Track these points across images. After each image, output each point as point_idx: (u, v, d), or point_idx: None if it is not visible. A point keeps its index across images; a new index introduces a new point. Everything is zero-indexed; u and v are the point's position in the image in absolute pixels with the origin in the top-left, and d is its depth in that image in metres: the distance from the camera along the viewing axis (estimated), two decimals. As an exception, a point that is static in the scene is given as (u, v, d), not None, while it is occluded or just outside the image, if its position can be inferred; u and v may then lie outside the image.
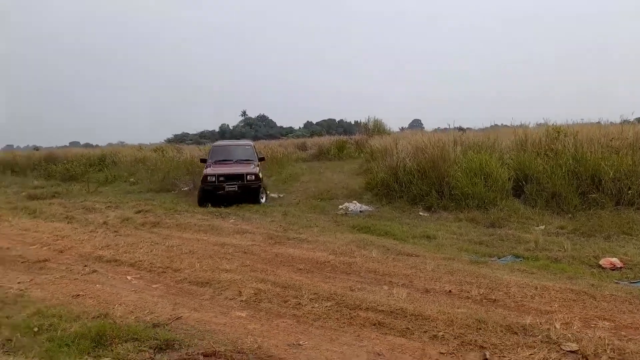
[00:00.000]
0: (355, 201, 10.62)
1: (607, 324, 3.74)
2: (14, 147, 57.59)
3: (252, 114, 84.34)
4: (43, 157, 28.48)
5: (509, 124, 15.88)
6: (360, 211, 9.85)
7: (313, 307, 4.29)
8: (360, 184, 12.56)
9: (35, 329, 3.94)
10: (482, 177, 9.93)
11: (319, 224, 8.57)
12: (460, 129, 21.61)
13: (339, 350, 3.44)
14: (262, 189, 11.76)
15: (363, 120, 25.30)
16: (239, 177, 11.45)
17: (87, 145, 51.90)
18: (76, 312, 4.33)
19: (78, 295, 4.95)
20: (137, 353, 3.49)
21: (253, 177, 11.44)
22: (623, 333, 3.57)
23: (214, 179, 11.42)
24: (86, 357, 3.47)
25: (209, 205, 10.95)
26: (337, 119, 71.63)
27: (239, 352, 3.46)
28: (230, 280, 5.15)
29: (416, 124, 55.74)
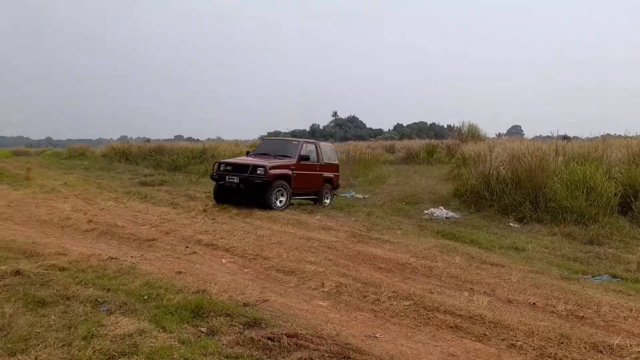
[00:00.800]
0: (441, 207, 10.46)
1: None
2: (128, 137, 64.14)
3: (343, 114, 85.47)
4: (153, 148, 31.42)
5: (623, 135, 14.55)
6: (446, 217, 9.69)
7: (391, 305, 4.42)
8: (448, 190, 12.30)
9: (145, 297, 4.52)
10: (584, 191, 9.27)
11: (403, 226, 8.61)
12: (565, 137, 20.01)
13: (413, 347, 3.54)
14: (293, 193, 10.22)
15: (457, 125, 24.55)
16: (244, 168, 9.70)
17: (189, 139, 56.13)
18: (178, 286, 4.88)
19: (180, 272, 5.55)
20: (229, 327, 3.89)
21: (263, 170, 9.47)
22: None
23: (221, 167, 10.16)
24: (186, 325, 3.93)
25: (218, 202, 10.34)
26: (429, 122, 70.05)
27: (318, 337, 3.70)
28: (314, 272, 5.44)
29: (515, 131, 52.66)
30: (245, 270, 5.71)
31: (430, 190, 13.03)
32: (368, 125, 78.93)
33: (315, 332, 3.81)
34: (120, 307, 4.21)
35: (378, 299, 4.57)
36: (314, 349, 3.50)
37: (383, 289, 4.80)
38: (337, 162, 12.35)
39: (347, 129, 76.88)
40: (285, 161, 10.22)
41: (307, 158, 10.63)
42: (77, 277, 5.02)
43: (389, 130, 71.02)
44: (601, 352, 3.44)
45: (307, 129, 77.64)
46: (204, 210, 9.83)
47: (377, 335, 3.78)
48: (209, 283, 5.05)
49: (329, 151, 11.96)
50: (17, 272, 5.04)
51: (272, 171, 9.59)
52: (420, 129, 56.56)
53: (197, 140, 46.86)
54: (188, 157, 25.62)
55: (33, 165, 21.08)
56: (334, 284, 5.00)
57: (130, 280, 5.08)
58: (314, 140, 12.02)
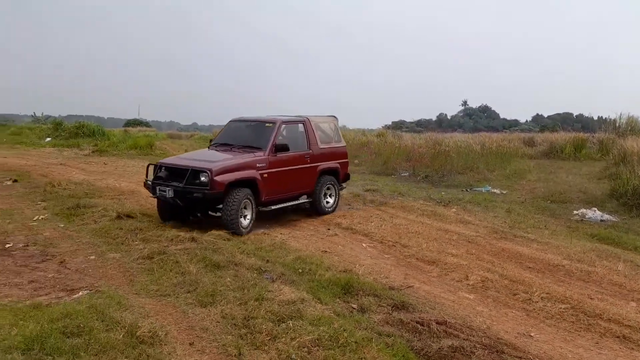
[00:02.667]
0: (594, 208, 9.46)
1: None
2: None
3: (473, 104, 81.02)
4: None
5: None
6: (601, 220, 8.75)
7: (545, 306, 4.23)
8: (602, 190, 11.05)
9: (299, 271, 4.96)
10: None
11: (549, 226, 8.01)
12: None
13: (574, 351, 3.38)
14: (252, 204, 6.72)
15: (612, 117, 21.70)
16: (181, 173, 6.47)
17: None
18: (327, 264, 5.25)
19: (325, 251, 5.95)
20: (378, 307, 4.10)
21: (206, 177, 6.22)
22: None
23: (157, 170, 6.85)
24: (338, 300, 4.25)
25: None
26: (575, 114, 62.83)
27: (468, 327, 3.73)
28: (456, 264, 5.41)
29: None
30: (386, 255, 5.90)
31: (579, 189, 11.82)
32: (502, 116, 73.75)
33: (465, 322, 3.84)
34: (280, 276, 4.71)
35: (529, 299, 4.40)
36: (464, 339, 3.54)
37: (534, 289, 4.59)
38: (343, 143, 8.99)
39: (477, 119, 72.79)
40: (249, 157, 6.82)
41: (285, 148, 7.15)
42: (239, 247, 5.71)
43: (527, 121, 65.52)
44: None
45: (434, 118, 75.31)
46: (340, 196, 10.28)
47: (532, 334, 3.67)
48: (353, 264, 5.34)
49: (328, 130, 8.53)
50: (193, 239, 5.91)
51: (222, 177, 6.25)
52: (564, 121, 51.04)
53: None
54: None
55: (190, 147, 23.84)
56: (479, 278, 4.92)
57: (284, 254, 5.61)
58: (302, 117, 7.99)
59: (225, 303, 3.84)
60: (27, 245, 5.61)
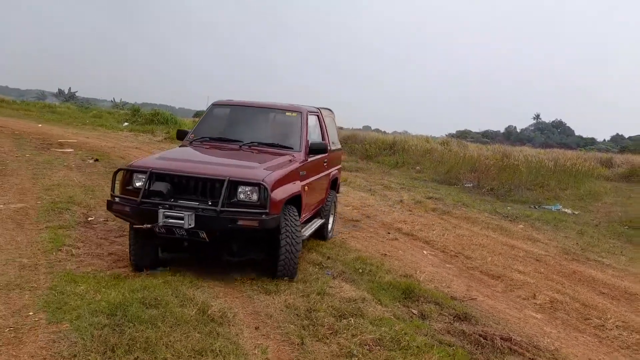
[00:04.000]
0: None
1: None
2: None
3: (546, 118, 76.95)
4: (347, 136, 33.50)
5: None
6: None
7: (620, 334, 3.98)
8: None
9: (360, 270, 4.99)
10: None
11: (626, 252, 7.48)
12: None
13: (653, 387, 3.15)
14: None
15: None
16: (208, 187, 3.95)
17: (377, 130, 57.80)
18: (387, 267, 5.24)
19: (385, 254, 5.93)
20: (439, 315, 4.05)
21: (260, 192, 3.89)
22: None
23: (143, 182, 3.94)
24: (398, 303, 4.23)
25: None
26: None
27: (535, 347, 3.59)
28: (523, 282, 5.21)
29: None
30: (448, 265, 5.79)
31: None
32: (577, 133, 69.47)
33: (531, 341, 3.69)
34: (341, 274, 4.76)
35: (603, 325, 4.15)
36: (530, 358, 3.42)
37: (609, 316, 4.33)
38: (340, 145, 7.38)
39: (549, 134, 69.07)
40: (288, 161, 4.62)
41: (321, 149, 5.03)
42: (302, 242, 5.83)
43: (605, 140, 61.22)
44: None
45: (502, 130, 72.34)
46: (400, 201, 10.18)
47: (605, 362, 3.47)
48: (414, 270, 5.29)
49: (332, 127, 6.66)
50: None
51: (278, 193, 4.03)
52: (648, 143, 47.20)
53: (384, 132, 47.88)
54: (379, 148, 26.53)
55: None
56: (547, 298, 4.71)
57: (344, 252, 5.66)
58: (315, 108, 5.90)
59: (289, 293, 3.94)
60: (107, 220, 6.05)
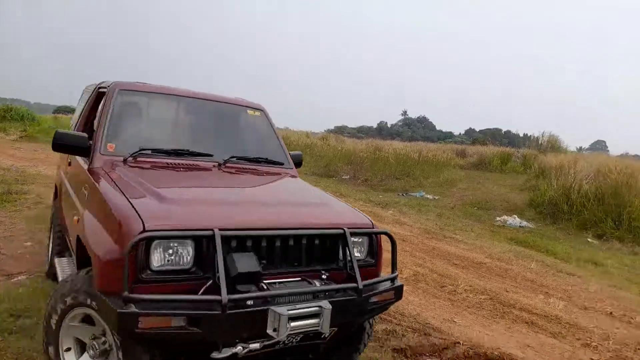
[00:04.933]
0: (515, 215, 10.40)
1: None
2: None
3: (413, 114, 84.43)
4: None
5: None
6: (520, 226, 9.65)
7: (467, 296, 4.71)
8: (523, 200, 12.12)
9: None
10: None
11: (475, 229, 8.73)
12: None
13: (490, 334, 3.83)
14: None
15: (535, 134, 23.68)
16: (304, 248, 2.27)
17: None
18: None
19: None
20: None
21: (373, 243, 2.53)
22: None
23: (194, 255, 1.99)
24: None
25: None
26: (504, 130, 67.29)
27: (400, 314, 4.09)
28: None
29: (600, 146, 49.42)
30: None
31: (503, 198, 12.88)
32: (438, 127, 77.40)
33: (397, 310, 4.20)
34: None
35: (455, 290, 4.87)
36: (396, 324, 3.90)
37: (460, 282, 5.08)
38: None
39: (415, 129, 75.83)
40: (308, 186, 3.20)
41: (300, 162, 3.73)
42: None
43: (460, 134, 69.19)
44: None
45: (375, 125, 77.49)
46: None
47: (455, 320, 4.11)
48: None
49: None
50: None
51: None
52: (494, 136, 54.58)
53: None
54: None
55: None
56: (412, 272, 5.35)
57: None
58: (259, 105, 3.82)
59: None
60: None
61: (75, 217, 2.58)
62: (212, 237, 1.93)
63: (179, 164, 2.90)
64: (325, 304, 2.04)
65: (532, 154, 21.24)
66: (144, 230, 1.85)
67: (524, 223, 9.88)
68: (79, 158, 3.02)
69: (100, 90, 3.37)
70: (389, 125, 78.80)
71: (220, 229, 1.96)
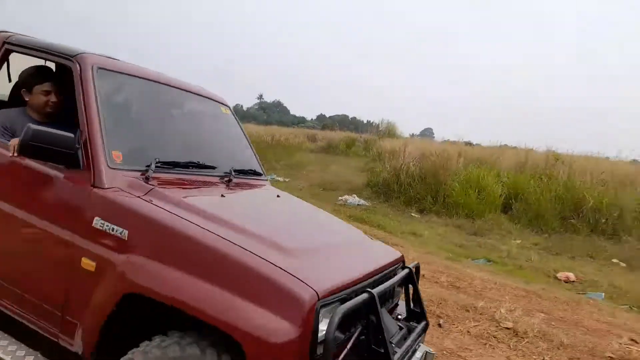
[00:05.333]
0: (354, 195, 11.42)
1: (543, 315, 4.54)
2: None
3: (269, 98, 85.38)
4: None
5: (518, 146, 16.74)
6: (358, 204, 10.65)
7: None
8: (362, 181, 13.34)
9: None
10: (477, 190, 10.68)
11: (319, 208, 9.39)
12: (469, 143, 22.50)
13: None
14: None
15: (376, 121, 26.02)
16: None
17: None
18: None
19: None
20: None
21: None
22: (553, 323, 4.36)
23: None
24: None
25: None
26: (351, 116, 72.33)
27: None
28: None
29: (428, 133, 56.21)
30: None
31: (346, 179, 14.00)
32: (292, 112, 79.68)
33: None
34: None
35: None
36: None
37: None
38: None
39: (270, 113, 76.91)
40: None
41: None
42: None
43: (312, 119, 72.30)
44: (468, 311, 4.39)
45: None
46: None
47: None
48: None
49: None
50: None
51: None
52: (342, 122, 58.35)
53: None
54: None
55: None
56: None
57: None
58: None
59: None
60: None
61: (92, 263, 1.83)
62: (372, 297, 1.68)
63: (192, 180, 2.33)
64: (426, 347, 2.16)
65: (372, 139, 23.33)
66: (319, 298, 1.51)
67: (362, 201, 10.92)
68: (49, 170, 2.08)
69: (8, 47, 2.47)
70: (244, 109, 78.39)
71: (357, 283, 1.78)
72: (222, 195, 2.28)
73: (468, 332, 3.88)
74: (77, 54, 2.20)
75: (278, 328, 1.47)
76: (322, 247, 2.07)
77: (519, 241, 8.48)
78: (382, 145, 17.56)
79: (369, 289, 1.70)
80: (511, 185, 11.25)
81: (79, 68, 2.14)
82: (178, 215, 1.78)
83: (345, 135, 26.50)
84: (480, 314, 4.34)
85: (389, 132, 24.49)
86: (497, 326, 4.06)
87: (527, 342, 3.82)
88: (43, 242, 2.02)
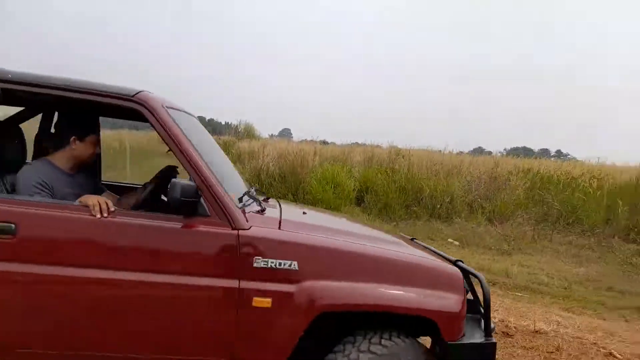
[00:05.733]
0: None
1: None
2: None
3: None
4: None
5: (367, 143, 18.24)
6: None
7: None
8: (223, 183, 13.17)
9: None
10: (333, 186, 11.38)
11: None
12: (324, 142, 23.84)
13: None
14: None
15: (234, 123, 25.79)
16: None
17: None
18: None
19: None
20: None
21: None
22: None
23: None
24: None
25: None
26: (208, 118, 70.25)
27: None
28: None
29: (286, 133, 57.62)
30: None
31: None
32: (143, 115, 74.28)
33: None
34: None
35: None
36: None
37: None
38: None
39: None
40: None
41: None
42: None
43: (166, 121, 68.46)
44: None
45: None
46: None
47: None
48: None
49: None
50: None
51: None
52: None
53: None
54: None
55: None
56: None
57: None
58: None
59: None
60: None
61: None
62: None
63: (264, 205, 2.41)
64: None
65: (232, 140, 23.15)
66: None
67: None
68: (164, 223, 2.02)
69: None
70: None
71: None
72: (304, 213, 2.67)
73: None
74: (137, 93, 2.07)
75: (455, 301, 2.10)
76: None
77: (371, 230, 9.30)
78: (241, 147, 17.54)
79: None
80: (362, 179, 12.25)
81: (148, 110, 2.05)
82: (332, 238, 2.13)
83: (203, 138, 25.70)
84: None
85: (248, 133, 24.57)
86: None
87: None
88: (188, 299, 1.96)
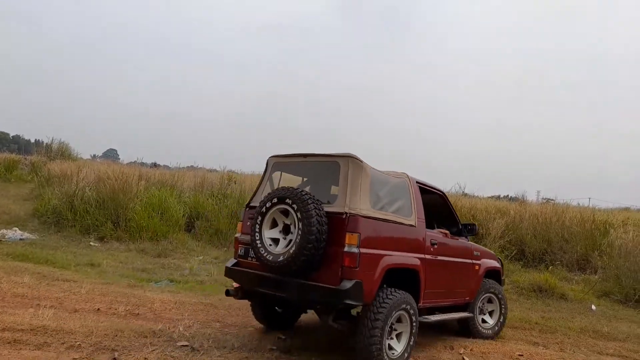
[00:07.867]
0: (15, 228, 9.61)
1: (218, 324, 5.01)
2: None
3: None
4: None
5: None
6: (21, 239, 9.01)
7: None
8: (26, 211, 11.36)
9: None
10: (160, 212, 10.75)
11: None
12: (155, 165, 22.45)
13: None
14: None
15: (46, 141, 22.61)
16: None
17: None
18: None
19: None
20: None
21: None
22: (226, 330, 4.87)
23: None
24: None
25: None
26: (12, 134, 60.05)
27: None
28: None
29: (111, 154, 52.76)
30: None
31: (4, 210, 11.59)
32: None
33: None
34: None
35: None
36: None
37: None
38: None
39: None
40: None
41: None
42: None
43: None
44: (146, 337, 4.37)
45: None
46: None
47: None
48: None
49: None
50: None
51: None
52: (0, 140, 47.95)
53: None
54: None
55: None
56: None
57: None
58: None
59: None
60: None
61: (477, 267, 5.48)
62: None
63: None
64: None
65: (42, 161, 20.25)
66: None
67: (26, 235, 9.31)
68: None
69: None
70: None
71: None
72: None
73: (145, 359, 3.87)
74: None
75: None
76: None
77: (201, 257, 9.03)
78: (53, 169, 15.44)
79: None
80: (192, 205, 11.86)
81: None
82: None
83: (4, 157, 21.98)
84: (159, 337, 4.41)
85: (62, 153, 21.76)
86: (174, 346, 4.21)
87: (203, 354, 4.11)
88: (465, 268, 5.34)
